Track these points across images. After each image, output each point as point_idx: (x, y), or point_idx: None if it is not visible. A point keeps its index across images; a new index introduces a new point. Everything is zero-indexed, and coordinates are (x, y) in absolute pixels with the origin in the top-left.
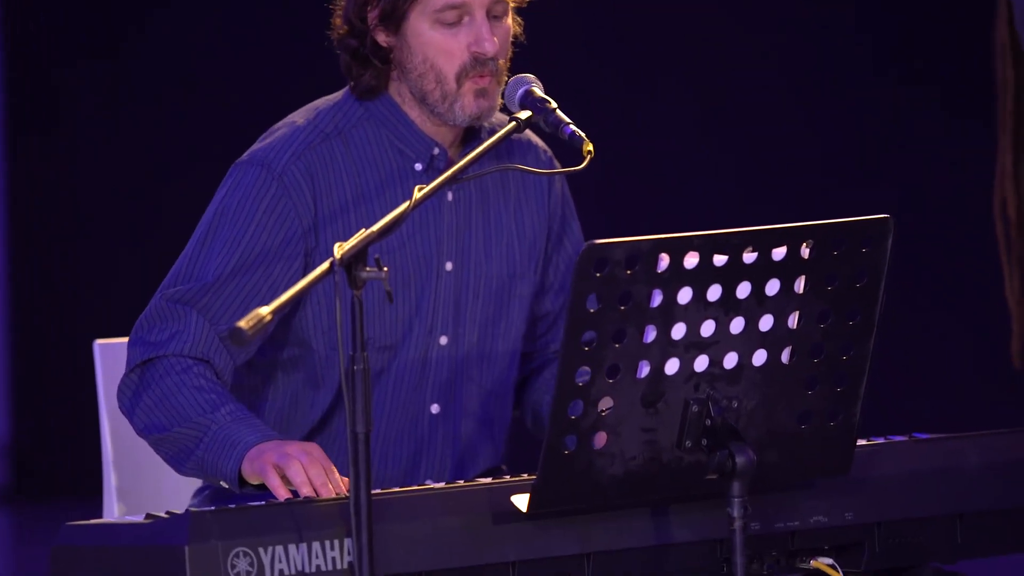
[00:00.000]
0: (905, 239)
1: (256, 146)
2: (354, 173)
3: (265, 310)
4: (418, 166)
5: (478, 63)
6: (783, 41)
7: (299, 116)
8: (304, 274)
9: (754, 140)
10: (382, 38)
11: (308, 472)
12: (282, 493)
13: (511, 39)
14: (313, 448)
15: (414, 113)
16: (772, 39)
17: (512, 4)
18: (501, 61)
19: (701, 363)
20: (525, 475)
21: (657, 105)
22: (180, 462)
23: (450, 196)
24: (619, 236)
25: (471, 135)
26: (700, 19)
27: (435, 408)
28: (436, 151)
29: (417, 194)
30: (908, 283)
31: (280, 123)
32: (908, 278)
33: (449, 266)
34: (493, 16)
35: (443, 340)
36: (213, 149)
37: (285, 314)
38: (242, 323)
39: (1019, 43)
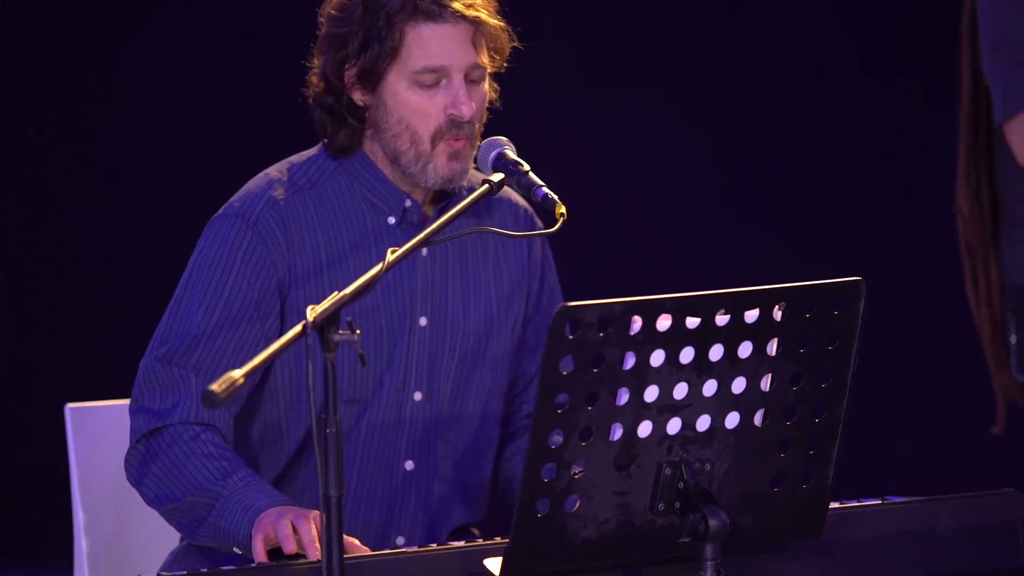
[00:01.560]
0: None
1: (231, 200)
2: (327, 225)
3: (237, 373)
4: (391, 219)
5: (454, 125)
6: (774, 42)
7: (273, 170)
8: (283, 329)
9: (752, 144)
10: (358, 97)
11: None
12: (290, 545)
13: (487, 104)
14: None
15: (387, 170)
16: (764, 41)
17: (489, 69)
18: (476, 125)
19: (674, 426)
20: (498, 538)
21: (650, 108)
22: (193, 529)
23: (424, 252)
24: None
25: (445, 191)
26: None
27: (409, 464)
28: (409, 204)
29: (390, 256)
30: (881, 344)
31: (254, 178)
32: (880, 339)
33: (423, 321)
34: (470, 80)
35: (417, 396)
36: (187, 218)
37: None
38: (214, 386)
39: (977, 47)
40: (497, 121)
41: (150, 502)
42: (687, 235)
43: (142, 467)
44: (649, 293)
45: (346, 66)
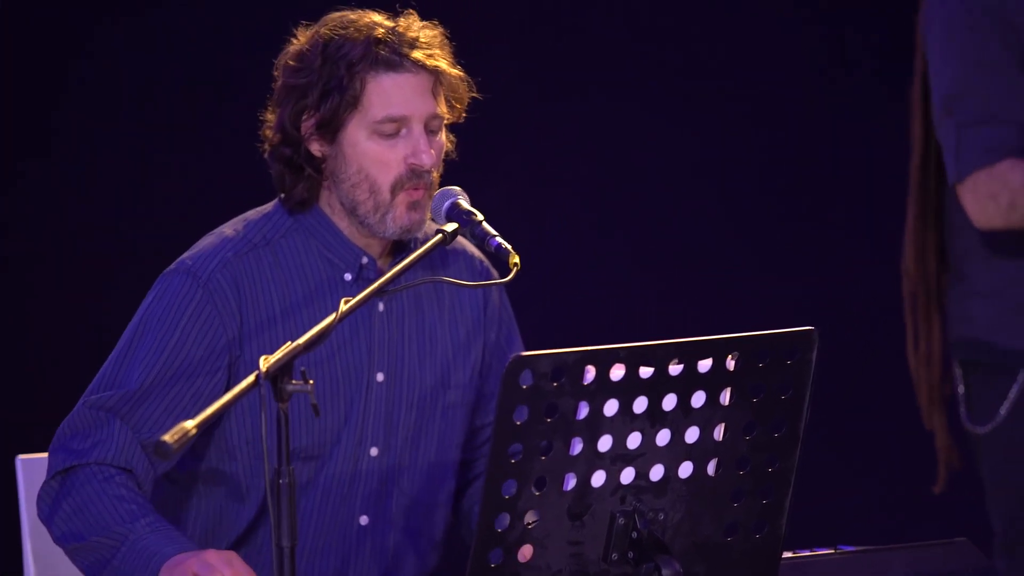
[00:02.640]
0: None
1: (183, 255)
2: (282, 283)
3: (190, 423)
4: (347, 276)
5: (414, 175)
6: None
7: (228, 227)
8: (228, 385)
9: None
10: (316, 147)
11: None
12: None
13: (443, 154)
14: (234, 558)
15: (343, 224)
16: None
17: (447, 120)
18: (435, 174)
19: (627, 475)
20: None
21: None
22: (97, 572)
23: (381, 307)
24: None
25: (401, 246)
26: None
27: (364, 519)
28: (365, 260)
29: (343, 306)
30: (833, 391)
31: (208, 234)
32: (834, 385)
33: (380, 377)
34: (429, 130)
35: (374, 451)
36: (142, 264)
37: (208, 426)
38: (167, 437)
39: (929, 103)
40: (496, 123)
41: (56, 540)
42: (687, 235)
43: (54, 504)
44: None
45: (304, 116)
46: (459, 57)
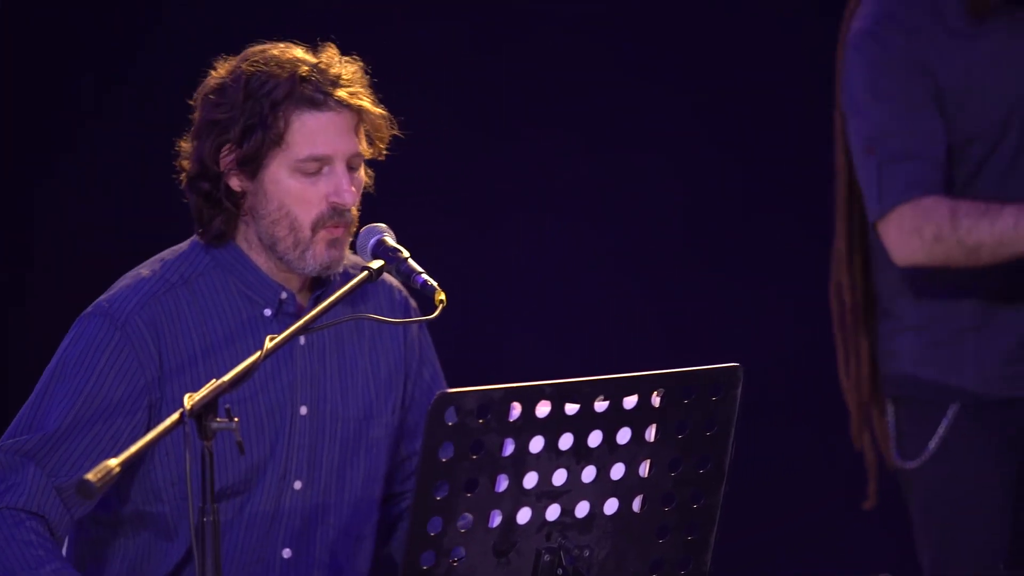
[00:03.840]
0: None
1: (100, 298)
2: (200, 322)
3: (114, 462)
4: (267, 312)
5: (335, 213)
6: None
7: (144, 268)
8: (148, 426)
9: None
10: (236, 182)
11: None
12: None
13: (362, 190)
14: None
15: (261, 259)
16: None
17: (367, 156)
18: (354, 211)
19: (553, 512)
20: None
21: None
22: None
23: (303, 340)
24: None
25: (320, 280)
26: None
27: (287, 553)
28: (284, 296)
29: (268, 343)
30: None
31: (125, 275)
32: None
33: (304, 410)
34: (350, 168)
35: (297, 485)
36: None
37: (131, 466)
38: (90, 475)
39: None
40: (494, 120)
41: None
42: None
43: None
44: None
45: (224, 151)
46: (471, 59)
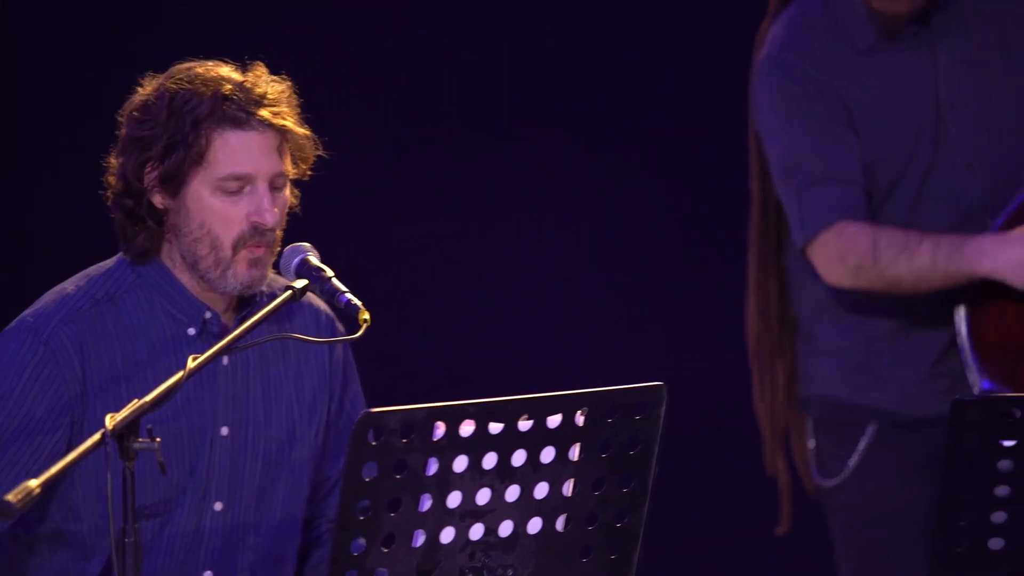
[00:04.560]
0: None
1: (25, 312)
2: (125, 339)
3: (34, 483)
4: (191, 331)
5: (256, 233)
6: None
7: (70, 284)
8: (70, 443)
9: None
10: (159, 200)
11: None
12: None
13: (287, 210)
14: None
15: (185, 278)
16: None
17: (291, 176)
18: (278, 232)
19: (476, 531)
20: None
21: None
22: None
23: (226, 360)
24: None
25: (245, 300)
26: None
27: (208, 575)
28: (208, 315)
29: (191, 363)
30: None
31: (50, 291)
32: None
33: (225, 431)
34: (273, 188)
35: (218, 506)
36: None
37: (51, 485)
38: (10, 496)
39: (765, 159)
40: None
41: None
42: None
43: None
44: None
45: (147, 168)
46: (471, 59)
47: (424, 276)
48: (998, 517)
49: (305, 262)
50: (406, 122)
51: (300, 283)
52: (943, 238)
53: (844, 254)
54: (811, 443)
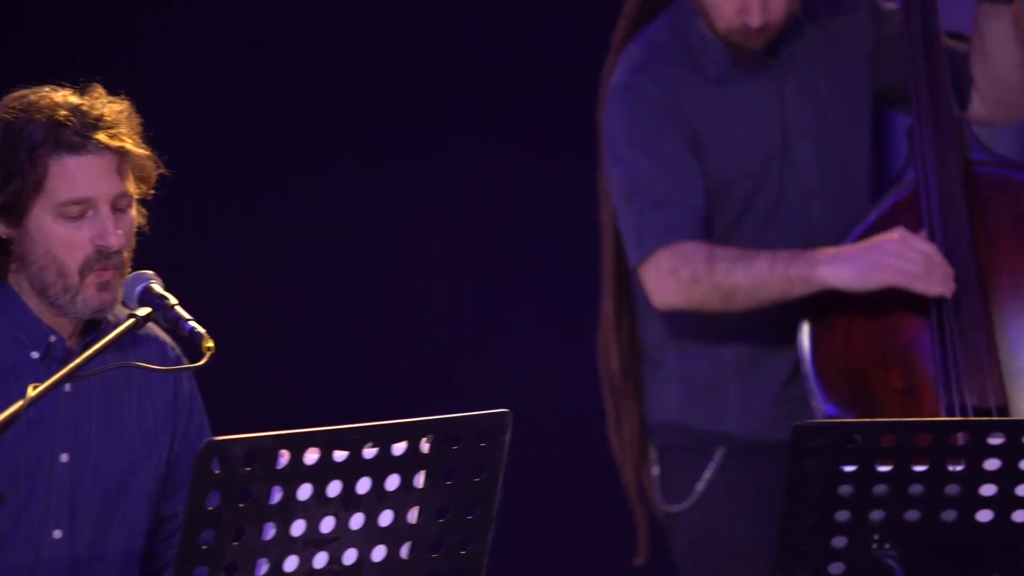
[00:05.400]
0: None
1: None
2: None
3: None
4: (34, 354)
5: (102, 256)
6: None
7: None
8: None
9: None
10: (1, 230)
11: None
12: None
13: (135, 230)
14: None
15: (33, 303)
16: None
17: (136, 196)
18: (125, 254)
19: (320, 560)
20: None
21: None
22: None
23: (68, 387)
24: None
25: (91, 324)
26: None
27: None
28: (53, 339)
29: (31, 392)
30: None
31: None
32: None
33: (65, 458)
34: (117, 209)
35: (57, 534)
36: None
37: None
38: None
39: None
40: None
41: None
42: None
43: None
44: None
45: None
46: (471, 59)
47: (424, 276)
48: (839, 542)
49: (148, 290)
50: (406, 122)
51: (143, 311)
52: (782, 251)
53: (678, 268)
54: (655, 470)
